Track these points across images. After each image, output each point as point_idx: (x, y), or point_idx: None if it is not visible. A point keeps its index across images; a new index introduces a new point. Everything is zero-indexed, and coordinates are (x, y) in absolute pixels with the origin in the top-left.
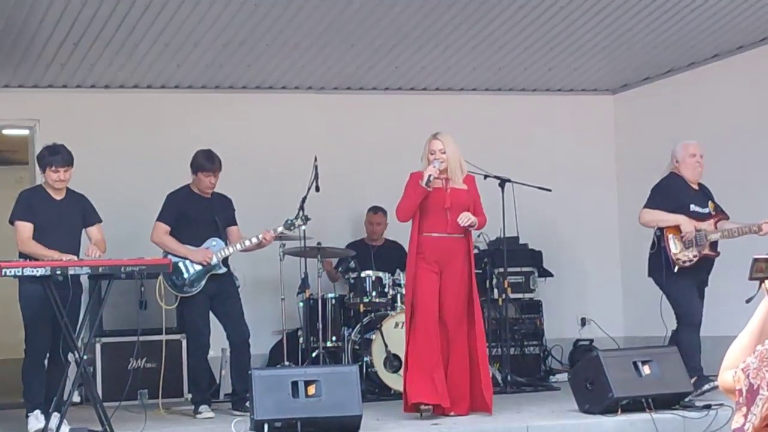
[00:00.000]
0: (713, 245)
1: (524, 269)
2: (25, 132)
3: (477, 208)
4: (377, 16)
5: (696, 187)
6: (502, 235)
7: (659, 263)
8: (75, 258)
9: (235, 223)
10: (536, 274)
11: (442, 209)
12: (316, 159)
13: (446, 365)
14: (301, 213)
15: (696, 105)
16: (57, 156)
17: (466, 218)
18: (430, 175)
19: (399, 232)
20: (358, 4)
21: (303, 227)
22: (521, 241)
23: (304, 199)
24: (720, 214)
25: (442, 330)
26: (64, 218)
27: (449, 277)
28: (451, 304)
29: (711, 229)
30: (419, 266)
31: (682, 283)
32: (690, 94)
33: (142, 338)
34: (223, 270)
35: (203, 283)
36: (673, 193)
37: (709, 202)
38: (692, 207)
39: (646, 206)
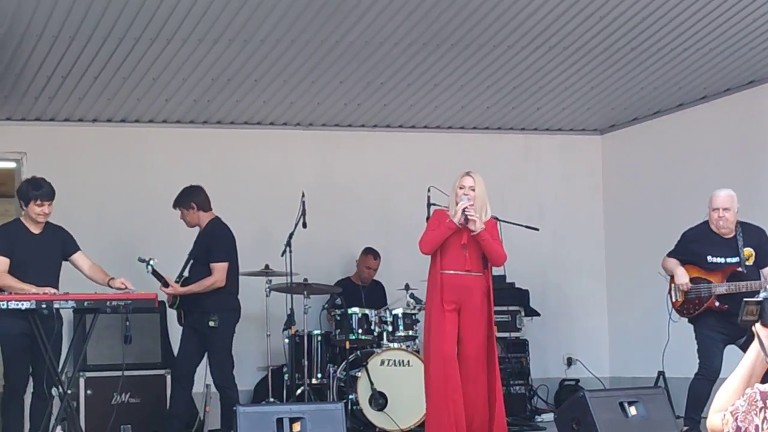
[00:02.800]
0: (720, 298)
1: (510, 308)
2: (12, 165)
3: (496, 243)
4: (366, 53)
5: (729, 235)
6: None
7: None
8: (54, 291)
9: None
10: (522, 313)
11: (459, 246)
12: (303, 195)
13: (465, 405)
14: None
15: (684, 146)
16: (42, 190)
17: (473, 216)
18: (465, 212)
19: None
20: (348, 41)
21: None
22: (508, 280)
23: (291, 235)
24: (738, 266)
25: (461, 369)
26: (42, 252)
27: (468, 315)
28: (471, 342)
29: (719, 282)
30: (438, 307)
31: (706, 332)
32: (678, 136)
33: (126, 373)
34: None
35: None
36: (690, 242)
37: (746, 250)
38: (710, 258)
39: (668, 252)
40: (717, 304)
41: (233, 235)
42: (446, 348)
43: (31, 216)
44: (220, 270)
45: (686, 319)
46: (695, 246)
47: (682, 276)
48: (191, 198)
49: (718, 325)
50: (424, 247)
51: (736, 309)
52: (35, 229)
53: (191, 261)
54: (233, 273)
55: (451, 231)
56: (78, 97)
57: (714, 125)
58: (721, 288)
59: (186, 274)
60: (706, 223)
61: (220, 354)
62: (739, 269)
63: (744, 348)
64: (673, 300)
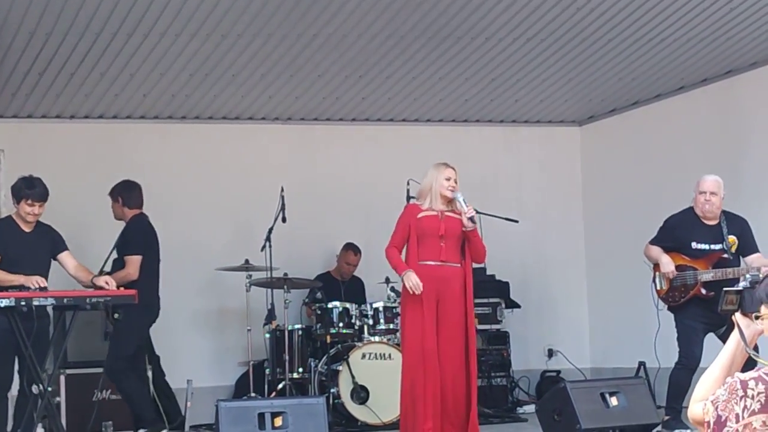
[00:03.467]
0: (706, 285)
1: (491, 300)
2: None
3: None
4: (344, 47)
5: (712, 222)
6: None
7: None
8: (42, 280)
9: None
10: (503, 305)
11: (437, 237)
12: (282, 189)
13: (443, 397)
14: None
15: (662, 137)
16: (34, 190)
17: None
18: (472, 218)
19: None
20: (325, 35)
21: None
22: (488, 272)
23: (270, 230)
24: (728, 252)
25: (440, 360)
26: (32, 250)
27: (446, 306)
28: (449, 333)
29: (704, 269)
30: (415, 299)
31: (687, 322)
32: (656, 126)
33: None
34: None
35: None
36: (675, 229)
37: (730, 237)
38: (694, 245)
39: (650, 240)
40: (704, 291)
41: (155, 232)
42: (426, 341)
43: (21, 215)
44: (132, 263)
45: (667, 308)
46: (679, 232)
47: (668, 264)
48: (119, 192)
49: (701, 314)
50: (388, 260)
51: None
52: (26, 228)
53: (113, 256)
54: (148, 268)
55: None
56: (55, 94)
57: (692, 115)
58: (708, 275)
59: (107, 269)
60: (690, 209)
61: (115, 347)
62: (725, 255)
63: (723, 338)
64: (658, 288)
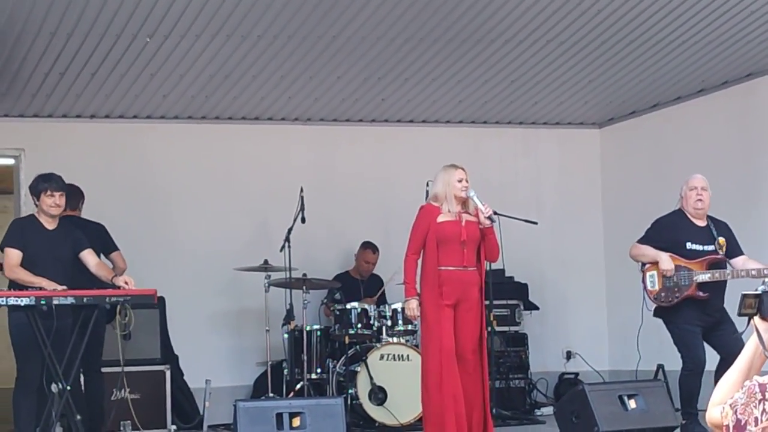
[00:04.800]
0: (701, 286)
1: (510, 302)
2: (11, 161)
3: None
4: (363, 48)
5: (702, 223)
6: (487, 268)
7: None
8: (64, 288)
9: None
10: (522, 307)
11: (458, 242)
12: (302, 190)
13: (464, 399)
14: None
15: (681, 139)
16: (51, 181)
17: (487, 212)
18: (490, 216)
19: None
20: (345, 37)
21: None
22: (507, 274)
23: (289, 230)
24: (722, 254)
25: (458, 364)
26: (55, 248)
27: (465, 310)
28: (468, 336)
29: (700, 270)
30: (436, 303)
31: (683, 326)
32: (676, 129)
33: (125, 369)
34: None
35: None
36: (668, 229)
37: (720, 239)
38: (689, 245)
39: (638, 240)
40: (699, 293)
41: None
42: (445, 343)
43: (44, 209)
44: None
45: (654, 310)
46: (673, 232)
47: (668, 261)
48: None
49: (696, 316)
50: (404, 271)
51: (717, 298)
52: (49, 225)
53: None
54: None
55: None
56: (76, 94)
57: (712, 118)
58: (704, 276)
59: None
60: (678, 210)
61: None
62: (720, 256)
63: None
64: (649, 288)
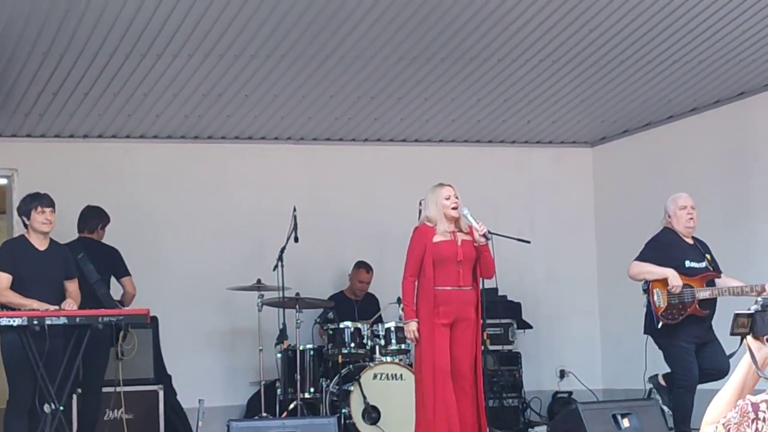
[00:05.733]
0: (702, 303)
1: (503, 321)
2: (3, 181)
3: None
4: (357, 67)
5: (690, 241)
6: (481, 287)
7: (651, 319)
8: (56, 308)
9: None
10: (515, 325)
11: (455, 262)
12: (294, 209)
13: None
14: None
15: (674, 158)
16: (40, 197)
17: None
18: (485, 234)
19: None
20: (338, 56)
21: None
22: (500, 293)
23: (282, 250)
24: (712, 271)
25: (453, 384)
26: (46, 269)
27: (461, 329)
28: (463, 356)
29: (699, 287)
30: (431, 322)
31: (676, 342)
32: (668, 147)
33: (118, 389)
34: None
35: None
36: (666, 248)
37: (706, 256)
38: (688, 263)
39: (636, 258)
40: (701, 309)
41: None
42: (440, 363)
43: (35, 227)
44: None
45: (644, 330)
46: (671, 251)
47: (677, 278)
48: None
49: (694, 333)
50: (402, 295)
51: (711, 315)
52: (40, 246)
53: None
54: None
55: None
56: (68, 113)
57: (704, 137)
58: (705, 293)
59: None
60: (668, 229)
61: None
62: (713, 273)
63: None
64: (656, 306)
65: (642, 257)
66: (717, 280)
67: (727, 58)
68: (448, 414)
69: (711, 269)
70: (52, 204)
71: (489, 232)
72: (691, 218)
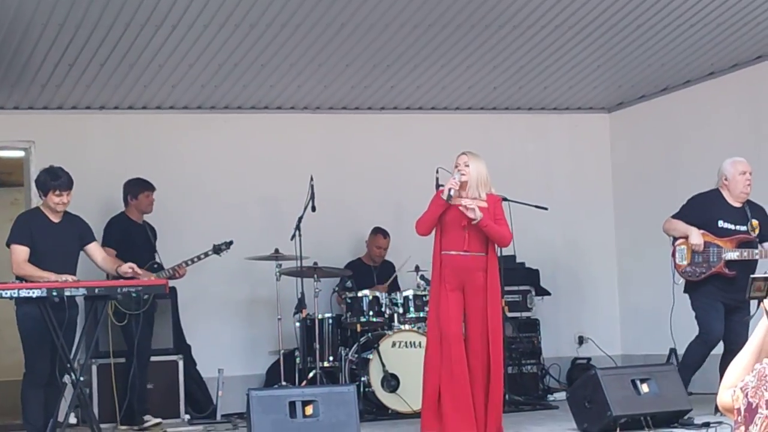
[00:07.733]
0: (729, 264)
1: (521, 288)
2: (20, 154)
3: (499, 224)
4: (372, 36)
5: (738, 204)
6: (499, 254)
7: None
8: (73, 279)
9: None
10: (533, 292)
11: (460, 227)
12: (312, 179)
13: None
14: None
15: (691, 123)
16: (60, 180)
17: (470, 205)
18: (450, 189)
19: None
20: (353, 24)
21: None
22: (518, 260)
23: (300, 219)
24: (749, 234)
25: (466, 348)
26: (61, 241)
27: (471, 295)
28: (473, 321)
29: (730, 248)
30: (442, 287)
31: (704, 299)
32: (686, 112)
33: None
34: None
35: None
36: (701, 205)
37: (753, 221)
38: (720, 223)
39: (672, 215)
40: (726, 270)
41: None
42: (450, 327)
43: (51, 206)
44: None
45: (684, 286)
46: (706, 210)
47: (698, 236)
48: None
49: (719, 293)
50: (418, 228)
51: (744, 277)
52: (54, 218)
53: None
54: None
55: (439, 207)
56: (85, 85)
57: (722, 101)
58: (733, 254)
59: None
60: (716, 190)
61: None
62: (750, 237)
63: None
64: (678, 262)
65: (676, 213)
66: (766, 244)
67: (744, 22)
68: (457, 376)
69: (751, 233)
70: (69, 186)
71: (451, 191)
72: (749, 184)
